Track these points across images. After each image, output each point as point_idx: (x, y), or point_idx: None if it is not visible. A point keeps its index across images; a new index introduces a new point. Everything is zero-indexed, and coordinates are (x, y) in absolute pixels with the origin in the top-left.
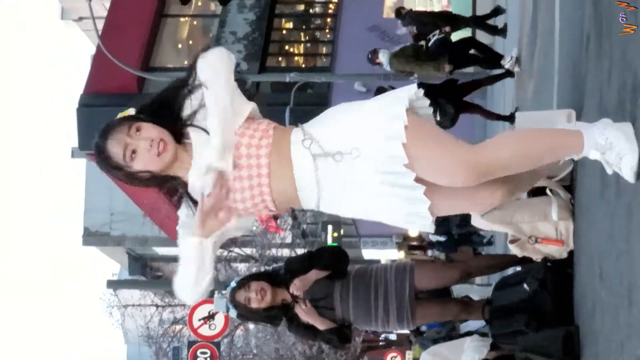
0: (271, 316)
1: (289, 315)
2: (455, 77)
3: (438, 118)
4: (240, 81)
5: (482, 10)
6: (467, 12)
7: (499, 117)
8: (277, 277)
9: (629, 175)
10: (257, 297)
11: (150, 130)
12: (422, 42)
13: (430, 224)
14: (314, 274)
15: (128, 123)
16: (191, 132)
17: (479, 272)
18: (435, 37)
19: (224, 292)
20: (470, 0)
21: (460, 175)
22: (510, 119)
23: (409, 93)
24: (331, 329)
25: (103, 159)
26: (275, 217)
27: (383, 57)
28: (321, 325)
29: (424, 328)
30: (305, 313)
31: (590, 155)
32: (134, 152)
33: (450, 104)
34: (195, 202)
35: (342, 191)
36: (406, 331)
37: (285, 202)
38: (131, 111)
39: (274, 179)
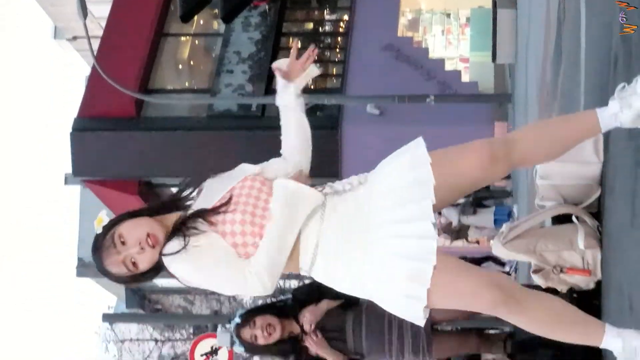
0: (280, 350)
1: (297, 349)
2: None
3: None
4: None
5: None
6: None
7: None
8: (284, 309)
9: None
10: (264, 334)
11: (132, 234)
12: None
13: (422, 312)
14: (325, 304)
15: (110, 237)
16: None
17: None
18: None
19: (227, 325)
20: (489, 38)
21: (483, 147)
22: None
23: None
24: None
25: (116, 279)
26: None
27: None
28: (332, 357)
29: None
30: (315, 345)
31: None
32: (133, 261)
33: None
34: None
35: (345, 233)
36: None
37: None
38: (104, 217)
39: None
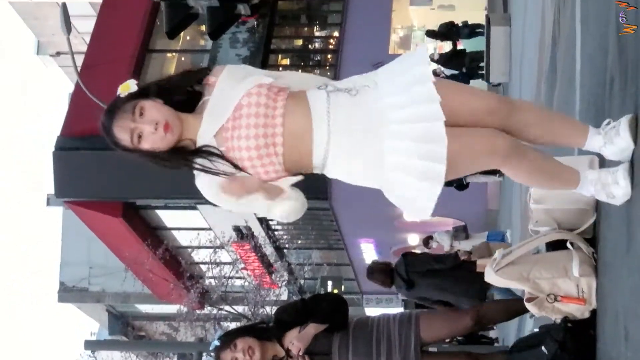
0: None
1: None
2: None
3: None
4: None
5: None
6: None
7: None
8: (266, 331)
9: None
10: (245, 357)
11: (153, 112)
12: None
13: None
14: (313, 329)
15: (131, 105)
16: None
17: (492, 318)
18: None
19: (212, 353)
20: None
21: (493, 98)
22: None
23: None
24: None
25: (112, 142)
26: (270, 272)
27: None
28: None
29: None
30: None
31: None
32: (140, 136)
33: None
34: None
35: (352, 127)
36: None
37: (295, 148)
38: (132, 84)
39: (287, 119)
